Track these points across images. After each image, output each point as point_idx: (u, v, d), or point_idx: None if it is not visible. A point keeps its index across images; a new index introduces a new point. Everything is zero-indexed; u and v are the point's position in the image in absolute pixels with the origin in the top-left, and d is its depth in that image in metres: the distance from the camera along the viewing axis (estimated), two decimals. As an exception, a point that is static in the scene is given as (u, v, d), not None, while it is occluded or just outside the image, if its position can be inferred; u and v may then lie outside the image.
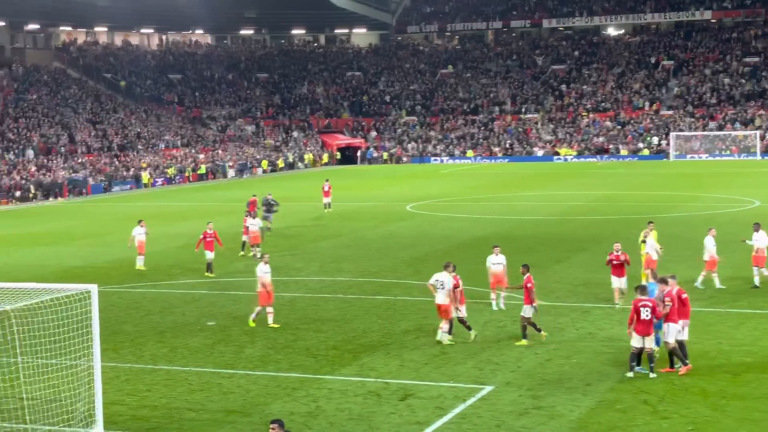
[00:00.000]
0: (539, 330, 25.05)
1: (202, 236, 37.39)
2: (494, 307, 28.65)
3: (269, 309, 27.74)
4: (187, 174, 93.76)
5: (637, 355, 21.59)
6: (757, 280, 31.27)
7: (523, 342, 24.75)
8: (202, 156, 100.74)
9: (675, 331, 21.70)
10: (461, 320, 25.47)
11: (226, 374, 22.85)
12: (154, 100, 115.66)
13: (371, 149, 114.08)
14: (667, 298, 21.74)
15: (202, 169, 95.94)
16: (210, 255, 36.92)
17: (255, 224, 41.08)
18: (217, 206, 65.04)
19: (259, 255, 39.44)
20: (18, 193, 76.61)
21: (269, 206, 49.15)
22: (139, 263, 39.00)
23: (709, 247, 31.09)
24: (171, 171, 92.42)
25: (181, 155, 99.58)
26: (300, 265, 38.63)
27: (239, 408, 20.22)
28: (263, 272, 27.79)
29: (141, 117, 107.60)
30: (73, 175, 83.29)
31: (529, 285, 24.89)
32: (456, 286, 25.29)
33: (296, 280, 35.53)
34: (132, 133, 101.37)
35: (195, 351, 25.26)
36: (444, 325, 25.16)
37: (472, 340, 25.15)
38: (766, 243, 31.30)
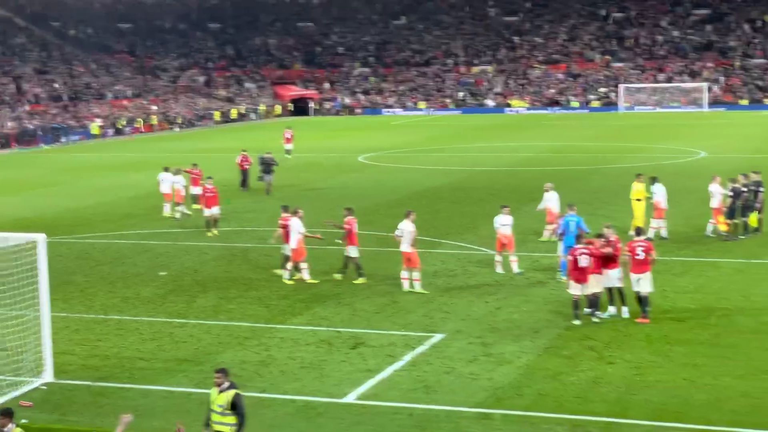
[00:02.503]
0: (361, 275, 26.33)
1: (202, 192, 35.64)
2: (498, 270, 27.10)
3: (303, 265, 26.95)
4: (138, 125, 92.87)
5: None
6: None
7: (362, 280, 26.18)
8: (154, 107, 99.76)
9: (615, 279, 22.27)
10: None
11: (177, 324, 22.89)
12: (103, 50, 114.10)
13: (338, 101, 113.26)
14: (639, 248, 22.04)
15: (154, 120, 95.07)
16: (208, 212, 34.72)
17: (179, 182, 39.37)
18: (169, 158, 64.43)
19: (178, 216, 38.13)
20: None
21: (267, 165, 45.97)
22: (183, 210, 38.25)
23: (717, 194, 30.78)
24: (120, 122, 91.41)
25: (132, 106, 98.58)
26: (251, 216, 38.54)
27: (191, 357, 20.29)
28: (300, 228, 26.91)
29: (90, 67, 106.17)
30: (49, 123, 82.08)
31: (346, 227, 26.23)
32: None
33: (248, 230, 35.50)
34: (81, 83, 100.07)
35: (146, 301, 25.26)
36: (404, 273, 25.35)
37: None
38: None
